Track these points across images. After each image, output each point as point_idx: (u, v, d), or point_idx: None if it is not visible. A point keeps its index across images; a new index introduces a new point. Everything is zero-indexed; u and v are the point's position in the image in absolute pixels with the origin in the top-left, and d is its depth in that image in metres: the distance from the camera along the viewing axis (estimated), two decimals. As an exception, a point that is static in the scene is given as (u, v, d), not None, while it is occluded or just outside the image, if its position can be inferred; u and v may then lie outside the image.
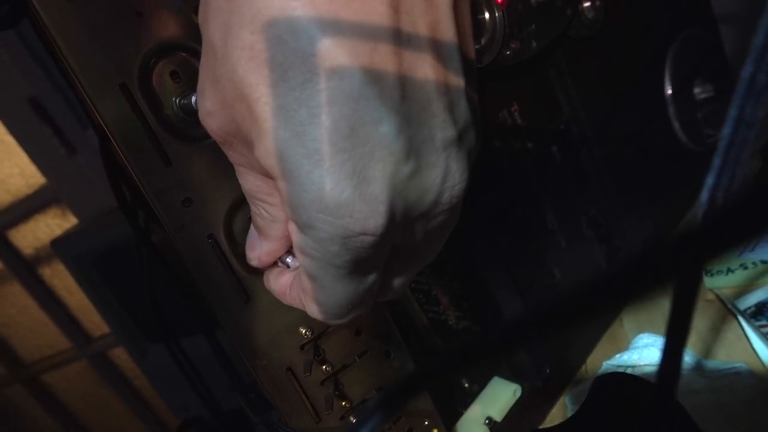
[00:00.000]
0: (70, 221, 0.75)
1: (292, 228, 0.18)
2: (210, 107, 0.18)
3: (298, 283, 0.21)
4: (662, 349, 0.12)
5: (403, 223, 0.18)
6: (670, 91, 0.43)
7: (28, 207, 0.76)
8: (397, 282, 0.21)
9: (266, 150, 0.16)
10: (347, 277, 0.18)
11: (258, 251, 0.23)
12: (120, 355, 0.82)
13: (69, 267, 0.61)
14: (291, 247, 0.22)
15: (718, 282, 0.39)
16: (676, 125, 0.43)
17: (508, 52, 0.30)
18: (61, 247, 0.62)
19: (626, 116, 0.41)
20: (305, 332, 0.26)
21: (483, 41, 0.29)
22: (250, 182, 0.20)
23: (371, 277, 0.19)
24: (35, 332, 0.85)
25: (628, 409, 0.17)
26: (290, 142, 0.16)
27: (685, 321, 0.12)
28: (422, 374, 0.15)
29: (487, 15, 0.28)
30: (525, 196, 0.36)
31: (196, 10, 0.22)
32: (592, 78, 0.39)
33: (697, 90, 0.44)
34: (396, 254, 0.20)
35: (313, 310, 0.20)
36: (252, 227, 0.23)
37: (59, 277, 0.79)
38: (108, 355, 0.83)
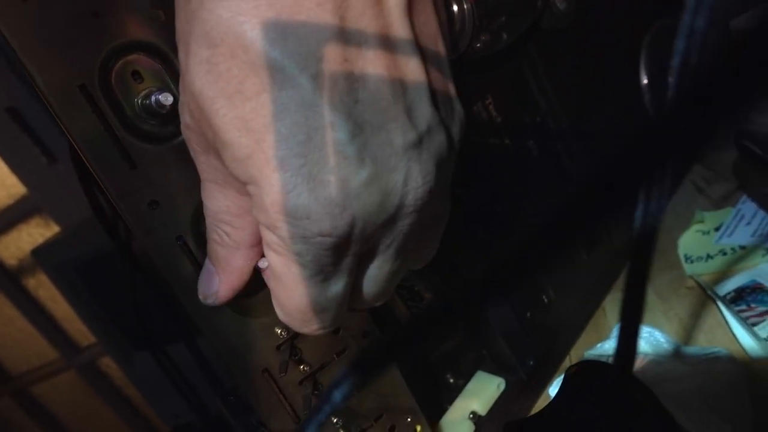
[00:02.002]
0: (53, 230, 0.74)
1: (261, 227, 0.19)
2: (188, 121, 0.18)
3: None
4: (618, 326, 0.12)
5: (366, 228, 0.18)
6: (645, 81, 0.43)
7: (9, 217, 0.75)
8: (370, 289, 0.21)
9: (233, 158, 0.17)
10: (310, 279, 0.19)
11: (214, 287, 0.22)
12: (109, 364, 0.81)
13: (51, 276, 0.61)
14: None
15: (698, 268, 0.39)
16: (653, 114, 0.44)
17: (478, 45, 0.30)
18: (42, 256, 0.61)
19: (603, 107, 0.42)
20: (281, 332, 0.26)
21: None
22: (219, 201, 0.20)
23: (336, 285, 0.19)
24: (21, 343, 0.84)
25: (598, 393, 0.17)
26: (251, 149, 0.17)
27: (639, 292, 0.12)
28: (391, 338, 0.15)
29: (455, 7, 0.28)
30: (503, 190, 0.36)
31: (156, 5, 0.21)
32: (567, 70, 0.39)
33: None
34: (367, 261, 0.20)
35: (278, 313, 0.21)
36: (205, 265, 0.22)
37: (44, 287, 0.78)
38: (96, 365, 0.82)
